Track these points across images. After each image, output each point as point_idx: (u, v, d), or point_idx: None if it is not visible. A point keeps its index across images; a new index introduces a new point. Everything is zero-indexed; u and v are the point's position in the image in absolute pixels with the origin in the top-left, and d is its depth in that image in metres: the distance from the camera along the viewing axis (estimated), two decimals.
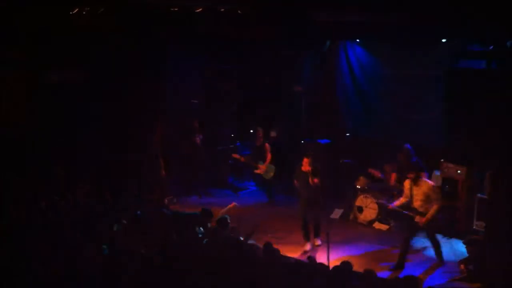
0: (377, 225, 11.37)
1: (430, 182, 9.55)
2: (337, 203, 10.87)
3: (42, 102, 12.03)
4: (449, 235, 10.58)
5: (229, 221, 9.12)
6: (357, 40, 12.49)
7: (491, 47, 9.92)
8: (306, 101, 13.83)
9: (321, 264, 8.09)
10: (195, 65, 13.70)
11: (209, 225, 9.22)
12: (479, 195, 10.47)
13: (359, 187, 11.73)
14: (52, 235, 8.32)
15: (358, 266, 8.27)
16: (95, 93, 12.23)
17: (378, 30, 10.69)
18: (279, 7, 10.40)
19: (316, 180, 10.08)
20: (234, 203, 10.17)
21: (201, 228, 9.08)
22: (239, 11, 10.61)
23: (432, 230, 9.58)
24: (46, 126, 11.93)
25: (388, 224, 11.26)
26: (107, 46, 11.90)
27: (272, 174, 12.71)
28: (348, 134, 13.10)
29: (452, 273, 9.26)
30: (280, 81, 13.92)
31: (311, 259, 8.36)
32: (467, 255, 9.20)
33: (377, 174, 11.40)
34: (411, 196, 9.47)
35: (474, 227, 10.46)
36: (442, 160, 11.03)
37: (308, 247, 10.18)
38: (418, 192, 9.38)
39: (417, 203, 9.41)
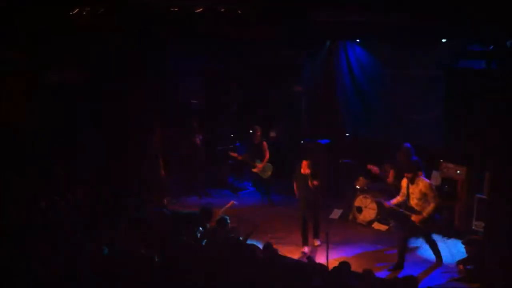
0: (376, 225, 11.37)
1: (427, 181, 9.53)
2: (336, 203, 10.89)
3: (42, 102, 12.03)
4: (448, 235, 10.59)
5: (228, 221, 9.12)
6: (357, 40, 12.48)
7: (491, 47, 9.92)
8: (306, 101, 13.83)
9: (320, 264, 8.09)
10: (195, 65, 13.71)
11: (208, 225, 9.23)
12: (478, 195, 10.47)
13: (358, 187, 11.73)
14: (52, 235, 8.32)
15: (357, 266, 8.29)
16: (95, 93, 12.24)
17: (378, 30, 10.69)
18: (279, 7, 10.40)
19: (315, 183, 10.07)
20: (232, 201, 10.18)
21: (200, 228, 9.08)
22: (239, 11, 10.61)
23: (428, 229, 9.55)
24: (46, 126, 11.93)
25: (387, 224, 11.26)
26: (107, 46, 11.91)
27: (269, 173, 12.67)
28: (348, 134, 13.10)
29: (451, 273, 9.27)
30: (280, 81, 13.91)
31: (310, 259, 8.37)
32: (466, 255, 9.21)
33: (375, 170, 11.36)
34: (408, 194, 9.46)
35: (473, 227, 10.46)
36: (442, 160, 11.03)
37: (306, 249, 10.15)
38: (415, 190, 9.38)
39: (413, 202, 9.41)
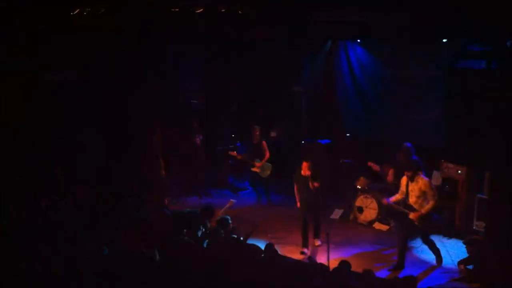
0: (377, 225, 11.37)
1: (427, 179, 9.52)
2: (337, 203, 10.87)
3: (42, 102, 12.04)
4: (449, 235, 10.59)
5: (230, 221, 9.12)
6: (357, 40, 12.49)
7: (491, 47, 9.93)
8: (306, 101, 13.83)
9: (321, 264, 8.09)
10: (195, 65, 13.72)
11: (209, 225, 9.22)
12: (479, 195, 10.48)
13: (359, 187, 11.73)
14: (52, 235, 8.31)
15: (358, 266, 8.28)
16: (95, 93, 12.25)
17: (378, 30, 10.70)
18: (279, 7, 10.41)
19: (316, 184, 10.05)
20: (231, 201, 10.17)
21: (201, 227, 9.07)
22: (239, 11, 10.61)
23: (426, 229, 9.51)
24: (46, 126, 11.93)
25: (388, 224, 11.25)
26: (107, 46, 11.91)
27: (268, 172, 12.66)
28: (348, 134, 13.09)
29: (452, 273, 9.27)
30: (280, 81, 13.92)
31: (311, 259, 8.37)
32: (467, 255, 9.21)
33: (376, 167, 11.34)
34: (407, 192, 9.45)
35: (474, 227, 10.46)
36: (442, 160, 11.03)
37: (305, 250, 10.13)
38: (414, 188, 9.37)
39: (412, 200, 9.40)
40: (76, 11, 11.23)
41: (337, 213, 9.42)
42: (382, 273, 9.22)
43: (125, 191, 10.96)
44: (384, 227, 11.27)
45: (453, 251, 10.03)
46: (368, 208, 11.44)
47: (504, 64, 9.11)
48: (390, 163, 11.17)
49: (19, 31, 11.40)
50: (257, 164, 12.62)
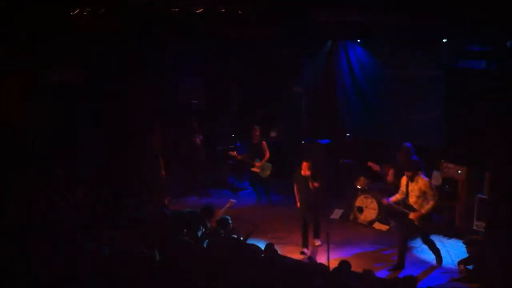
0: (377, 225, 11.37)
1: (427, 179, 9.52)
2: (337, 203, 10.87)
3: (42, 102, 12.03)
4: (449, 235, 10.59)
5: (230, 222, 9.12)
6: (357, 40, 12.48)
7: (491, 47, 9.93)
8: (306, 101, 13.82)
9: (321, 264, 8.09)
10: (195, 65, 13.71)
11: (209, 225, 9.22)
12: (479, 195, 10.48)
13: (359, 187, 11.73)
14: (52, 235, 8.31)
15: (358, 266, 8.28)
16: (95, 93, 12.24)
17: (378, 30, 10.70)
18: (279, 7, 10.41)
19: (316, 184, 10.05)
20: (231, 200, 10.17)
21: (201, 226, 9.07)
22: (239, 11, 10.61)
23: (425, 229, 9.50)
24: (46, 126, 11.93)
25: (388, 224, 11.25)
26: (107, 46, 11.90)
27: (268, 172, 12.66)
28: (348, 134, 13.09)
29: (452, 273, 9.27)
30: (280, 81, 13.92)
31: (311, 259, 8.36)
32: (467, 255, 9.20)
33: (376, 167, 11.34)
34: (407, 192, 9.45)
35: (474, 227, 10.46)
36: (442, 160, 11.03)
37: (305, 250, 10.12)
38: (414, 188, 9.36)
39: (412, 199, 9.39)
40: (76, 11, 11.23)
41: (337, 213, 9.43)
42: (382, 273, 9.22)
43: (125, 191, 10.96)
44: (384, 227, 11.27)
45: (453, 251, 10.03)
46: (368, 208, 11.44)
47: (504, 64, 9.12)
48: (390, 163, 11.17)
49: (19, 31, 11.40)
50: (257, 164, 12.62)
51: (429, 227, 9.56)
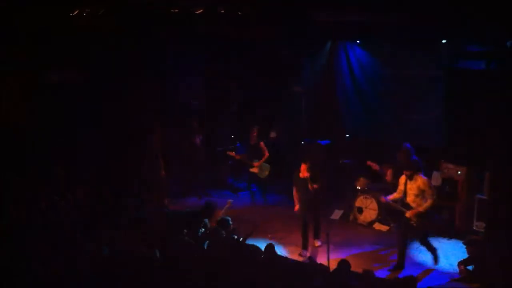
0: (377, 226, 11.36)
1: (425, 178, 9.50)
2: (337, 203, 10.88)
3: (42, 102, 12.03)
4: (449, 235, 10.59)
5: (230, 222, 9.12)
6: (357, 41, 12.48)
7: (491, 47, 9.93)
8: (306, 101, 13.82)
9: (321, 265, 8.09)
10: (195, 65, 13.72)
11: (209, 225, 9.23)
12: (479, 195, 10.48)
13: (359, 187, 11.72)
14: (52, 235, 8.32)
15: (358, 266, 8.28)
16: (95, 93, 12.24)
17: (378, 30, 10.70)
18: (279, 7, 10.40)
19: (315, 186, 10.03)
20: (229, 200, 10.17)
21: (201, 228, 9.08)
22: (239, 12, 10.60)
23: (423, 228, 9.46)
24: (46, 126, 11.93)
25: (388, 225, 11.25)
26: (107, 46, 11.90)
27: (267, 173, 12.66)
28: (348, 135, 13.09)
29: (451, 274, 9.27)
30: (280, 81, 13.92)
31: (311, 259, 8.36)
32: (467, 255, 9.20)
33: (376, 166, 11.33)
34: (405, 191, 9.43)
35: (474, 228, 10.47)
36: (442, 160, 11.03)
37: (304, 252, 10.09)
38: (413, 186, 9.32)
39: (410, 198, 9.34)
40: (76, 11, 11.23)
41: (337, 214, 9.41)
42: (382, 273, 9.22)
43: (125, 191, 10.96)
44: (384, 228, 11.26)
45: (453, 251, 10.03)
46: (368, 209, 11.44)
47: (504, 64, 9.12)
48: (390, 163, 11.17)
49: (19, 31, 11.39)
50: (255, 164, 12.62)
51: (426, 226, 9.51)
